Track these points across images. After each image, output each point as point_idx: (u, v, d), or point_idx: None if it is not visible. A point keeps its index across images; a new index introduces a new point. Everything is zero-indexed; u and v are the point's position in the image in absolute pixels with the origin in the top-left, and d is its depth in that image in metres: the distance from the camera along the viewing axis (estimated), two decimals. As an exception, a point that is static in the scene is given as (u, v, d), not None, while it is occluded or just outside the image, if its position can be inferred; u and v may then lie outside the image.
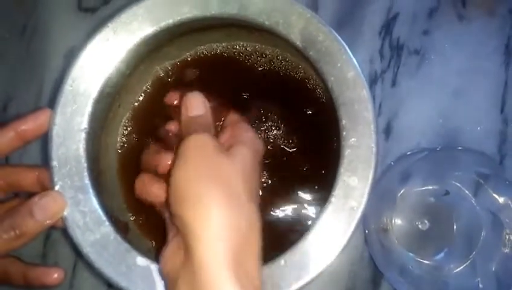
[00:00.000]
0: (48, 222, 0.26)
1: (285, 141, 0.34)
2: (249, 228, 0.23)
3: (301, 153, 0.33)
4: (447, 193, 0.37)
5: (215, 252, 0.21)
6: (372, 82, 0.39)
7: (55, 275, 0.27)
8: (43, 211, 0.25)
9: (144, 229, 0.33)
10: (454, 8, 0.39)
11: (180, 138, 0.26)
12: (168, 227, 0.27)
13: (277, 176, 0.33)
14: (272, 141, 0.33)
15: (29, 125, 0.27)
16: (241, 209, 0.22)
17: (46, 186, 0.27)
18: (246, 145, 0.26)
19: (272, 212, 0.33)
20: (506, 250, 0.34)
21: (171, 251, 0.24)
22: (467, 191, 0.36)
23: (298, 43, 0.28)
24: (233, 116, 0.30)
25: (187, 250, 0.22)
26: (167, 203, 0.24)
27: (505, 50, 0.39)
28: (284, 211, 0.33)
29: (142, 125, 0.35)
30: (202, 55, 0.36)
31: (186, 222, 0.22)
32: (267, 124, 0.34)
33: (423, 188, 0.37)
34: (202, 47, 0.36)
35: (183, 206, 0.22)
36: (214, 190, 0.22)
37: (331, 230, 0.26)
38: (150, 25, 0.29)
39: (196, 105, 0.27)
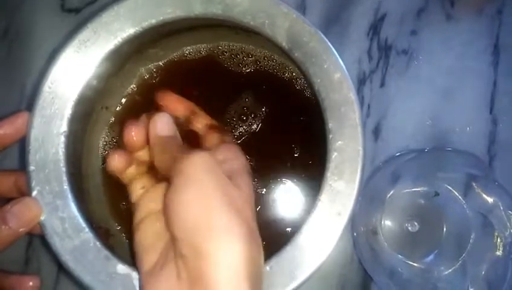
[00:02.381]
0: (22, 229, 0.25)
1: (271, 142, 0.33)
2: (260, 259, 0.23)
3: (288, 155, 0.33)
4: (436, 194, 0.36)
5: (237, 283, 0.21)
6: (361, 83, 0.39)
7: (30, 283, 0.26)
8: (16, 219, 0.24)
9: (128, 236, 0.33)
10: (442, 7, 0.39)
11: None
12: (147, 249, 0.25)
13: (262, 180, 0.32)
14: (256, 142, 0.33)
15: (6, 130, 0.26)
16: (256, 242, 0.23)
17: (24, 192, 0.27)
18: (248, 174, 0.26)
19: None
20: (497, 253, 0.33)
21: (169, 280, 0.22)
22: (456, 193, 0.36)
23: (284, 44, 0.28)
24: (217, 135, 0.30)
25: (197, 279, 0.21)
26: (166, 225, 0.23)
27: (494, 50, 0.38)
28: (270, 216, 0.32)
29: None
30: (188, 56, 0.35)
31: (204, 252, 0.21)
32: (253, 126, 0.33)
33: (413, 190, 0.37)
34: (188, 48, 0.35)
35: (198, 234, 0.21)
36: (235, 221, 0.22)
37: (317, 236, 0.26)
38: (131, 25, 0.29)
39: (166, 126, 0.26)
